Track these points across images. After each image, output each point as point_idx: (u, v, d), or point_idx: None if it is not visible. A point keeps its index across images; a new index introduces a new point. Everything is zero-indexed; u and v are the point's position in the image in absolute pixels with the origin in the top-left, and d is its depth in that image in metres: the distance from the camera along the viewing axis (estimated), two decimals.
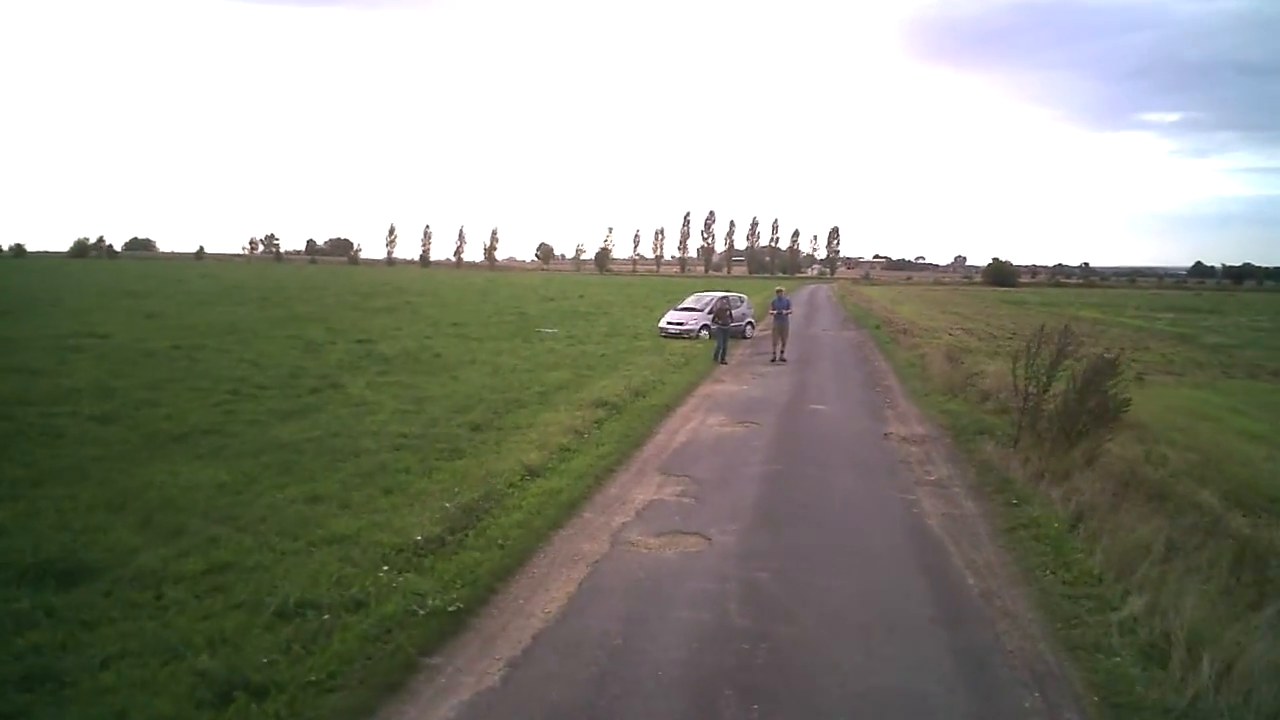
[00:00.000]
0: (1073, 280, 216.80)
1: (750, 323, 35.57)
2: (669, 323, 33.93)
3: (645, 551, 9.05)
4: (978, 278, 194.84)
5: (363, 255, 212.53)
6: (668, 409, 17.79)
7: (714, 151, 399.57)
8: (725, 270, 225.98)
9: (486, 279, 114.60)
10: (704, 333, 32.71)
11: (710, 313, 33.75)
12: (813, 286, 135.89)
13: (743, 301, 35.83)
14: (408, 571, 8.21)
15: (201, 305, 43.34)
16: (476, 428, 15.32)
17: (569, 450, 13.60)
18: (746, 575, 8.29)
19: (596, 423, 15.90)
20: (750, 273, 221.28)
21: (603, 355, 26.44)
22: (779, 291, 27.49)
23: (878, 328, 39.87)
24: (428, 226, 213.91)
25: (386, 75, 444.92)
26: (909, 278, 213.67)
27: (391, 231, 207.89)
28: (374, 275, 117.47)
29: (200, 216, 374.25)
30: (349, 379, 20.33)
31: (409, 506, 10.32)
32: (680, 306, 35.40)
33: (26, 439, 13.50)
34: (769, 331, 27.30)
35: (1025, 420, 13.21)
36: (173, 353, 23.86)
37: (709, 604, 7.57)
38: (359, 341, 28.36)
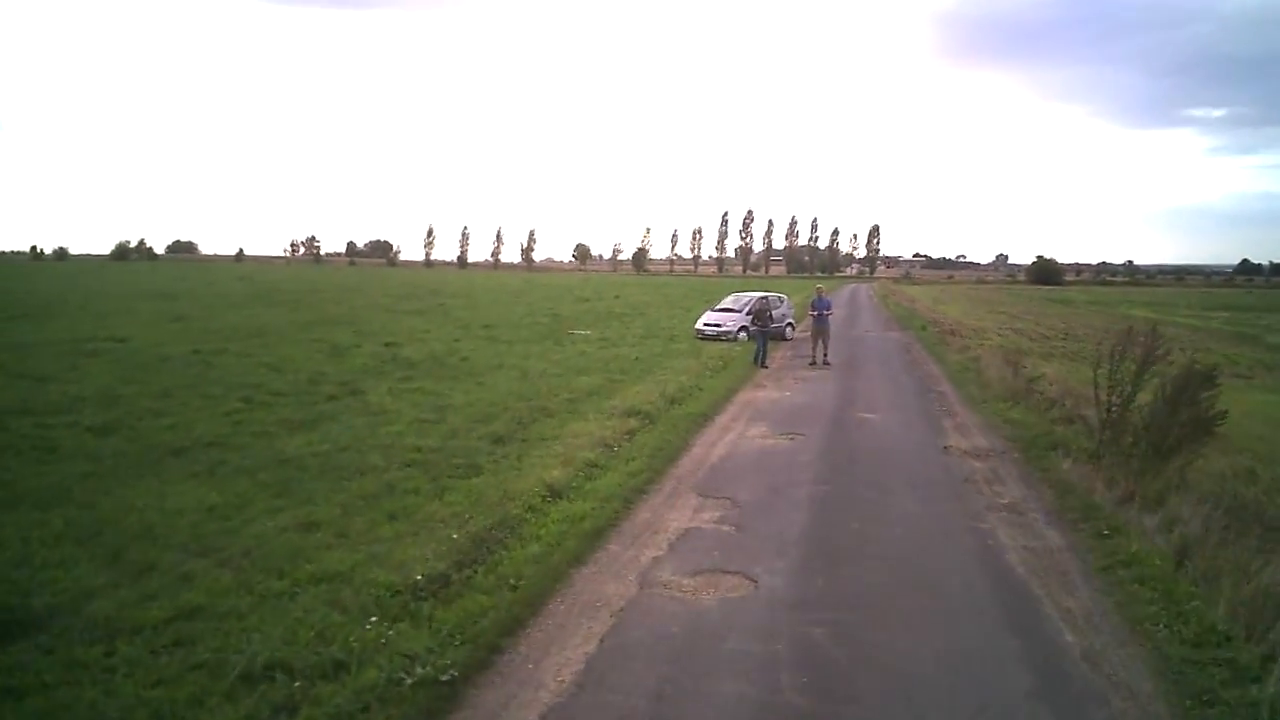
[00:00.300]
0: (1118, 278, 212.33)
1: (790, 324, 34.16)
2: (706, 324, 32.63)
3: (679, 596, 7.76)
4: (1021, 276, 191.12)
5: (402, 257, 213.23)
6: (705, 418, 16.51)
7: (752, 151, 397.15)
8: (763, 270, 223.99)
9: (523, 280, 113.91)
10: (742, 334, 31.40)
11: (749, 314, 32.43)
12: (853, 286, 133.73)
13: (782, 302, 34.44)
14: (401, 621, 7.02)
15: (232, 308, 42.70)
16: (498, 440, 14.15)
17: (596, 466, 12.38)
18: (799, 631, 6.97)
19: (628, 434, 14.67)
20: (789, 272, 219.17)
21: (636, 359, 25.20)
22: (819, 290, 26.05)
23: (924, 329, 38.29)
24: (465, 228, 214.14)
25: (427, 77, 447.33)
26: (951, 276, 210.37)
27: (430, 233, 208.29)
28: (410, 277, 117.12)
29: (242, 219, 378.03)
30: (370, 385, 19.28)
31: (413, 536, 9.15)
32: (717, 307, 34.07)
33: (16, 453, 12.54)
34: (809, 333, 25.87)
35: (1107, 433, 11.75)
36: (191, 358, 22.99)
37: (756, 673, 6.26)
38: (386, 345, 27.38)
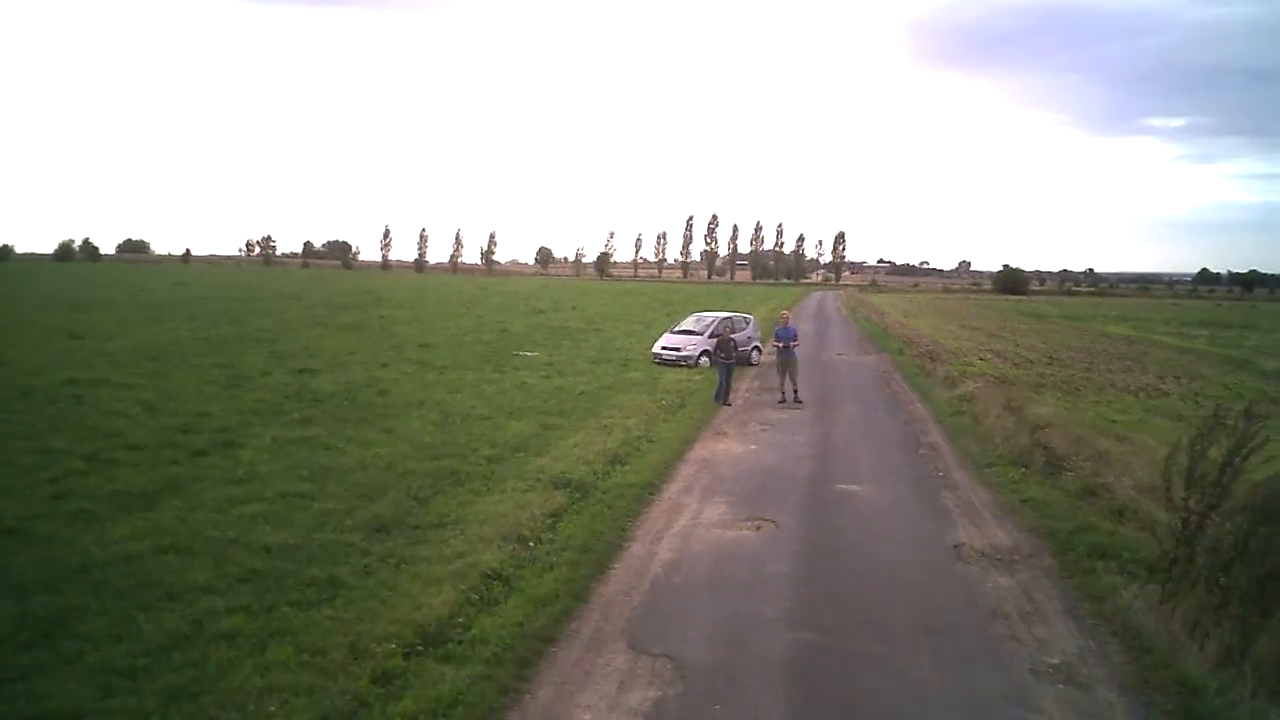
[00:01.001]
0: (1083, 288, 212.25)
1: (757, 347, 31.09)
2: (664, 348, 29.51)
3: None
4: (987, 285, 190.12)
5: (362, 257, 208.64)
6: (652, 490, 13.35)
7: (718, 155, 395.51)
8: (729, 275, 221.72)
9: (479, 286, 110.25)
10: (704, 359, 28.35)
11: (711, 336, 29.37)
12: (819, 294, 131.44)
13: (748, 323, 31.41)
14: None
15: (147, 321, 38.93)
16: (381, 528, 10.94)
17: (497, 581, 9.21)
18: None
19: (551, 518, 11.49)
20: (754, 278, 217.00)
21: (582, 393, 22.02)
22: (783, 317, 22.93)
23: (900, 352, 35.38)
24: (424, 230, 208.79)
25: (389, 76, 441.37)
26: (916, 284, 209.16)
27: (386, 234, 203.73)
28: (361, 281, 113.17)
29: (199, 218, 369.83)
30: (253, 433, 15.98)
31: None
32: (677, 328, 30.94)
33: None
34: (774, 359, 22.80)
35: (1182, 551, 8.69)
36: (59, 391, 19.60)
37: None
38: (299, 371, 24.05)
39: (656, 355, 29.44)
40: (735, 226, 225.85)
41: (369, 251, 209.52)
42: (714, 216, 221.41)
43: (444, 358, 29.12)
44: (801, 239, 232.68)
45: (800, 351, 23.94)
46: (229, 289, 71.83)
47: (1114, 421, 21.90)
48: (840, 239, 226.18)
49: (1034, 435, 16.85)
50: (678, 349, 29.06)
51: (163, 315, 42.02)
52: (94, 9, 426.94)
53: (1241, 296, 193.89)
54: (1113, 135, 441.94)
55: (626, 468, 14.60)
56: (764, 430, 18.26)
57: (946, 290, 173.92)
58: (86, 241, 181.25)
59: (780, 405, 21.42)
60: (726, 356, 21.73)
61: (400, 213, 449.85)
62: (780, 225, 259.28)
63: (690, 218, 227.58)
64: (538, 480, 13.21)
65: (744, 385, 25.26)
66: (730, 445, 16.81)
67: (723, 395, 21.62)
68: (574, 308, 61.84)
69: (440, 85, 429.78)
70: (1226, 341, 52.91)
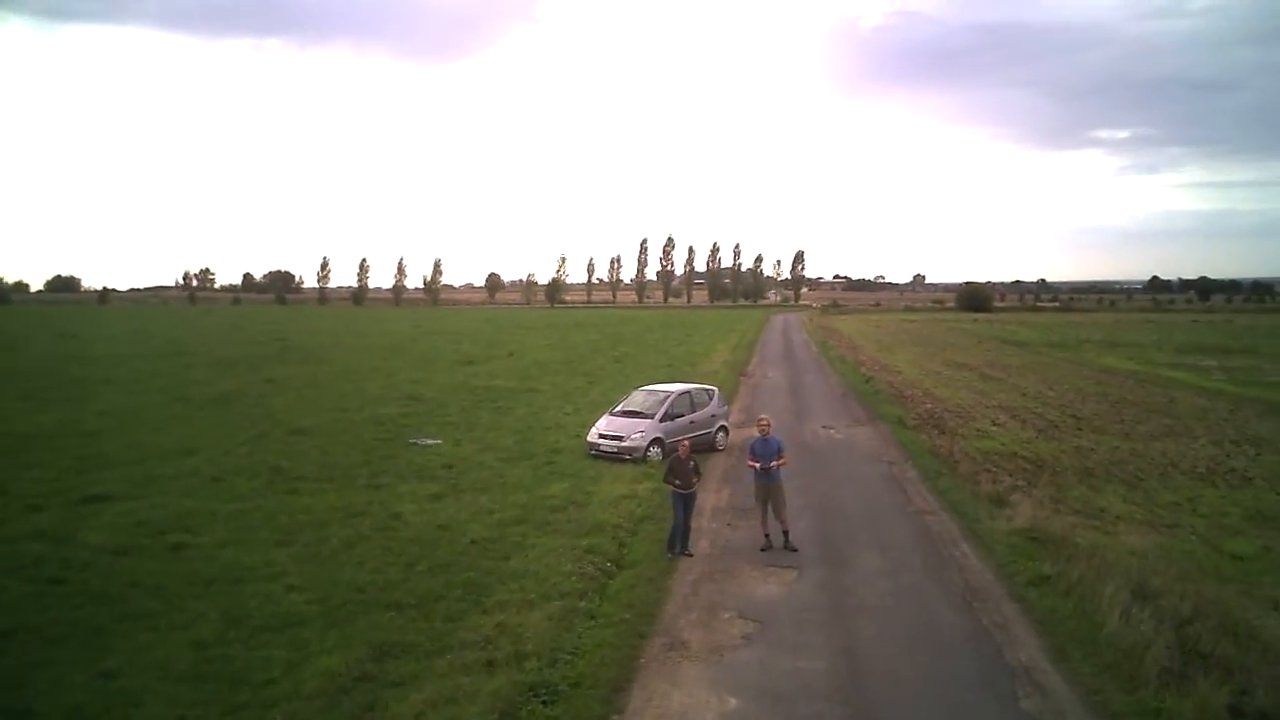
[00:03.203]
0: (1045, 303, 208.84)
1: (723, 426, 24.12)
2: (602, 436, 22.41)
3: None
4: (949, 301, 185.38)
5: (307, 285, 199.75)
6: None
7: (672, 176, 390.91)
8: (685, 297, 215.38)
9: (413, 323, 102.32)
10: (653, 451, 21.35)
11: (664, 419, 22.37)
12: (781, 318, 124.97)
13: (711, 397, 24.38)
14: None
15: None
16: None
17: None
18: None
19: None
20: (711, 299, 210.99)
21: (473, 542, 14.81)
22: (762, 427, 15.79)
23: (900, 421, 28.45)
24: (364, 260, 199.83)
25: (343, 102, 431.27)
26: (877, 303, 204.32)
27: (324, 266, 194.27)
28: (286, 321, 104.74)
29: (138, 251, 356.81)
30: None
31: None
32: (619, 409, 23.75)
33: None
34: (753, 483, 15.68)
35: None
36: None
37: None
38: (81, 502, 17.09)
39: (593, 446, 22.36)
40: (691, 248, 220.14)
41: (313, 281, 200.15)
42: (669, 239, 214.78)
43: (311, 458, 21.81)
44: (759, 259, 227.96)
45: (777, 422, 17.14)
46: (122, 341, 63.58)
47: (1237, 559, 15.22)
48: (799, 258, 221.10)
49: (1179, 642, 9.98)
50: (619, 438, 22.00)
51: None
52: (16, 39, 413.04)
53: (1202, 306, 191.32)
54: (1060, 148, 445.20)
55: None
56: (743, 625, 11.16)
57: (910, 309, 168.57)
58: None
59: (764, 554, 14.39)
60: (683, 484, 14.57)
61: (347, 239, 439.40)
62: (737, 245, 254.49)
63: (645, 240, 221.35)
64: None
65: (709, 501, 18.21)
66: (693, 687, 9.70)
67: (680, 541, 14.55)
68: (510, 354, 54.45)
69: (388, 108, 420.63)
70: (1244, 376, 46.88)
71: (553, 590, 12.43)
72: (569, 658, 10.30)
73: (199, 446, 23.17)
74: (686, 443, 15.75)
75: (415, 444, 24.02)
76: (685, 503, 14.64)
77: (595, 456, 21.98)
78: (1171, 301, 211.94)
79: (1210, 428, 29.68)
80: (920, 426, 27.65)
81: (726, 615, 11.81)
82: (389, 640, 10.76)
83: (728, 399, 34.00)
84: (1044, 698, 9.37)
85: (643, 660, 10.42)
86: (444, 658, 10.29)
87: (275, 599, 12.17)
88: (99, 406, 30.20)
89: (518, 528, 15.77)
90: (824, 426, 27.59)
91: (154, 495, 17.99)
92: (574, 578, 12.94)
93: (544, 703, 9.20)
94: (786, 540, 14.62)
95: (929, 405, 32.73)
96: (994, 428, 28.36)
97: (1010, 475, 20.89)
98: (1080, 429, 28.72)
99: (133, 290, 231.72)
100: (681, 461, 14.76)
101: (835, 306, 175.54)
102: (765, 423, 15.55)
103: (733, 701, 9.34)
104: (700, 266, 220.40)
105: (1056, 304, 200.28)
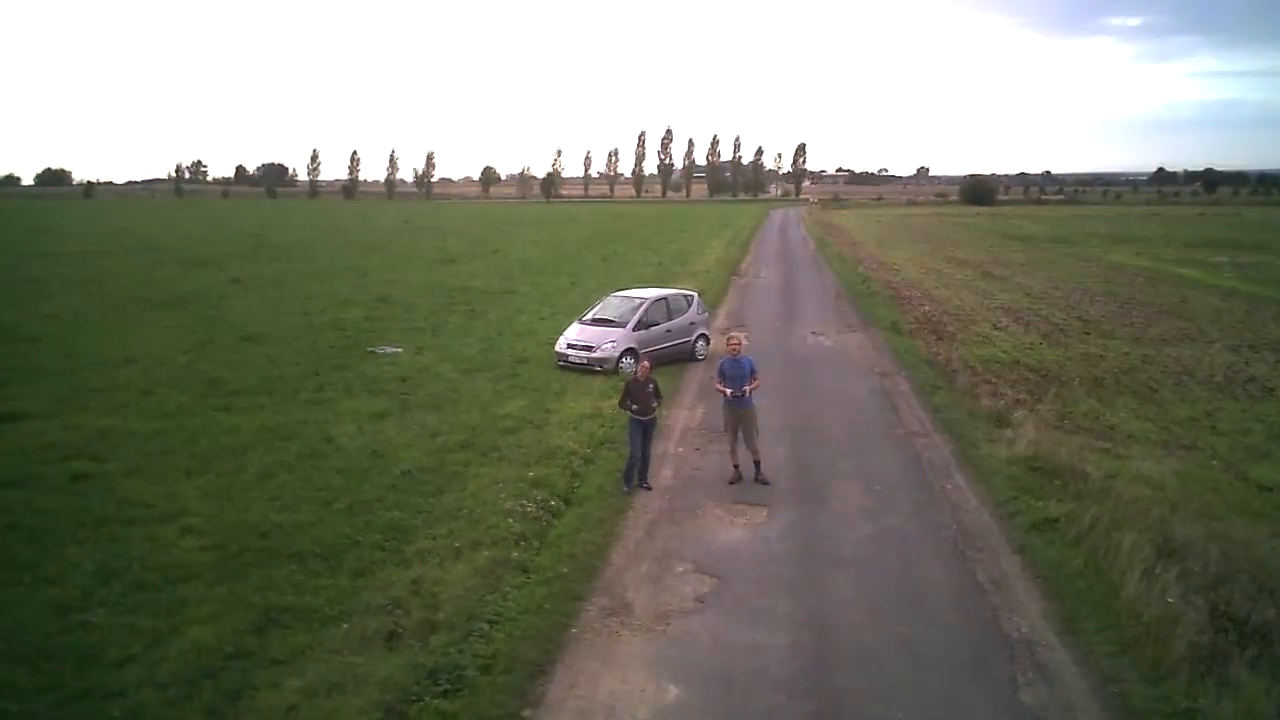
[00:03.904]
0: (1050, 195, 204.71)
1: (703, 335, 22.32)
2: (571, 346, 20.66)
3: None
4: (952, 194, 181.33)
5: (300, 179, 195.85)
6: None
7: (672, 67, 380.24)
8: (684, 191, 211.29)
9: (403, 218, 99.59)
10: (626, 362, 19.57)
11: (638, 328, 20.60)
12: (780, 213, 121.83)
13: (690, 303, 22.50)
14: None
15: None
16: None
17: None
18: None
19: None
20: (711, 193, 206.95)
21: (406, 473, 13.12)
22: (731, 344, 13.88)
23: (895, 326, 26.61)
24: (355, 153, 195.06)
25: None
26: (879, 196, 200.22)
27: (315, 158, 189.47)
28: (268, 216, 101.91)
29: (131, 143, 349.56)
30: None
31: None
32: (589, 316, 21.94)
33: None
34: (721, 408, 13.91)
35: None
36: None
37: None
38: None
39: (561, 356, 20.64)
40: (690, 140, 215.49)
41: (306, 173, 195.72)
42: (668, 130, 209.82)
43: (255, 369, 20.13)
44: (760, 151, 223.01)
45: (764, 327, 15.31)
46: (94, 238, 61.29)
47: (1265, 490, 13.56)
48: (801, 150, 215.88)
49: (1234, 618, 8.35)
50: (589, 348, 20.25)
51: None
52: None
53: (1208, 199, 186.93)
54: (1070, 36, 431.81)
55: None
56: (698, 605, 9.44)
57: (913, 203, 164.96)
58: None
59: (732, 488, 12.76)
60: (641, 410, 12.81)
61: (343, 132, 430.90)
62: (737, 138, 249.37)
63: (643, 133, 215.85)
64: None
65: (679, 420, 16.54)
66: (629, 668, 8.12)
67: (638, 473, 12.88)
68: (495, 252, 52.32)
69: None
70: (1258, 274, 44.81)
71: (485, 536, 10.81)
72: (486, 628, 8.71)
73: (139, 354, 21.54)
74: (646, 363, 13.90)
75: (373, 352, 22.31)
76: (644, 430, 12.92)
77: (563, 368, 20.32)
78: (1177, 194, 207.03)
79: (1225, 330, 27.93)
80: (917, 331, 25.86)
81: (680, 569, 10.20)
82: (280, 604, 9.16)
83: (717, 300, 32.32)
84: (1049, 685, 7.77)
85: (575, 630, 8.83)
86: (340, 627, 8.71)
87: (165, 546, 10.56)
88: (48, 309, 28.43)
89: (461, 454, 14.11)
90: (813, 333, 25.75)
91: (73, 413, 16.36)
92: (512, 518, 11.32)
93: (444, 693, 7.62)
94: (758, 472, 12.96)
95: (927, 307, 30.87)
96: (995, 332, 26.58)
97: (1012, 388, 19.18)
98: (1088, 333, 26.94)
99: (129, 184, 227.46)
100: (639, 384, 12.97)
101: (836, 201, 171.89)
102: (736, 341, 13.67)
103: (673, 690, 7.77)
104: (700, 160, 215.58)
105: (1062, 197, 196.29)
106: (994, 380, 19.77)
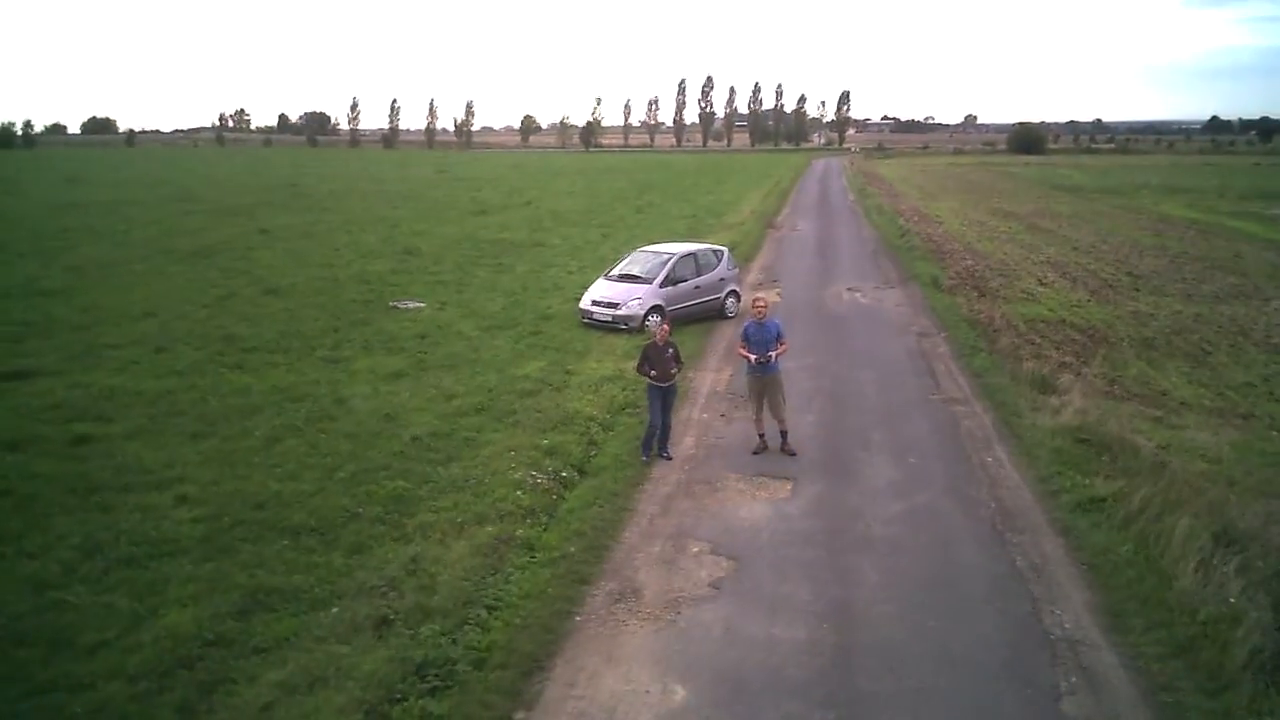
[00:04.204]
0: (1101, 144, 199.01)
1: (734, 292, 21.50)
2: (595, 302, 19.97)
3: None
4: (1000, 144, 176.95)
5: (342, 128, 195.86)
6: None
7: (713, 13, 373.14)
8: (725, 141, 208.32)
9: (438, 166, 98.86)
10: (652, 320, 18.77)
11: (665, 284, 19.86)
12: (822, 163, 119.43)
13: (719, 258, 21.63)
14: None
15: None
16: None
17: None
18: None
19: None
20: (753, 143, 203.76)
21: (414, 439, 12.54)
22: (760, 307, 13.03)
23: (935, 283, 25.54)
24: (394, 101, 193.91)
25: None
26: (925, 145, 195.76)
27: (354, 107, 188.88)
28: (310, 164, 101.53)
29: (178, 94, 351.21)
30: None
31: None
32: (615, 272, 21.20)
33: None
34: (746, 377, 13.13)
35: None
36: None
37: None
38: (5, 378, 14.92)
39: (585, 313, 19.97)
40: (732, 88, 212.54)
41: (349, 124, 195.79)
42: (709, 78, 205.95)
43: (275, 324, 19.69)
44: (803, 99, 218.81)
45: (798, 283, 14.48)
46: (128, 186, 61.20)
47: None
48: (845, 98, 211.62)
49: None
50: (614, 305, 19.53)
51: None
52: None
53: (1264, 148, 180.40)
54: None
55: None
56: (713, 592, 8.75)
57: (959, 153, 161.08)
58: (29, 124, 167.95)
59: (756, 459, 12.05)
60: (660, 376, 12.09)
61: (386, 81, 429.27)
62: (780, 86, 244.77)
63: (683, 81, 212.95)
64: None
65: (705, 383, 15.84)
66: (634, 664, 7.50)
67: (657, 442, 12.21)
68: (528, 203, 51.48)
69: None
70: None
71: (491, 509, 10.22)
72: (483, 615, 8.13)
73: (158, 308, 21.16)
74: (666, 326, 13.13)
75: (395, 307, 21.78)
76: (664, 397, 12.22)
77: (587, 325, 19.67)
78: (1232, 143, 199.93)
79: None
80: (958, 288, 24.81)
81: (696, 549, 9.54)
82: (268, 584, 8.63)
83: (750, 254, 31.37)
84: (1094, 694, 7.03)
85: (579, 618, 8.22)
86: (329, 611, 8.17)
87: (156, 517, 10.07)
88: (72, 260, 28.14)
89: (475, 418, 13.52)
90: (849, 289, 24.78)
91: (83, 370, 15.96)
92: (521, 490, 10.72)
93: (431, 691, 7.04)
94: (784, 442, 12.23)
95: (969, 262, 29.73)
96: (1041, 288, 25.47)
97: (1057, 349, 18.24)
98: (1138, 289, 25.74)
99: (174, 133, 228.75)
100: (658, 348, 12.24)
101: (880, 149, 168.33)
102: (762, 304, 12.82)
103: (680, 692, 7.13)
104: (742, 108, 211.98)
105: (1113, 145, 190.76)
106: (1038, 341, 18.83)
